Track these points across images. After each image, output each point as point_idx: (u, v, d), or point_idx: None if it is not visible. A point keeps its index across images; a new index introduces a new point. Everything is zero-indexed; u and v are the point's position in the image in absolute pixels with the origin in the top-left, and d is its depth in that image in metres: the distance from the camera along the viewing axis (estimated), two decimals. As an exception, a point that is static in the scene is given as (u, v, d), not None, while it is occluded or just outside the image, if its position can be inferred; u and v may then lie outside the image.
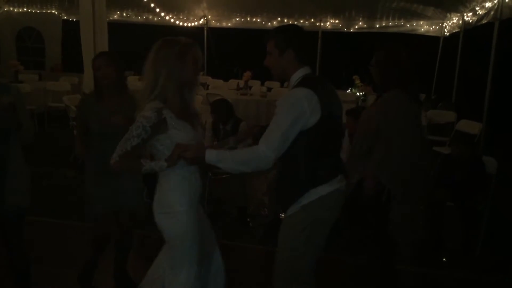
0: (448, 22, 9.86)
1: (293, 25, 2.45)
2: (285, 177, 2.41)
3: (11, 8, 11.88)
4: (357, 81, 9.51)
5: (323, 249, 2.49)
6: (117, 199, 3.10)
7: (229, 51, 13.10)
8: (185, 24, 12.06)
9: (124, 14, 11.72)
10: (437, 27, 10.49)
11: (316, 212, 2.33)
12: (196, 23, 12.04)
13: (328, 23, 11.20)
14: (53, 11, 12.10)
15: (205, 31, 12.09)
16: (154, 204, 2.35)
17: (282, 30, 2.37)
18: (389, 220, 3.13)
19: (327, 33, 11.15)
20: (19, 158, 2.70)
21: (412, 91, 3.09)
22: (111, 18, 10.80)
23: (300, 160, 2.30)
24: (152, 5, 10.53)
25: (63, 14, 12.23)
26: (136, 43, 14.07)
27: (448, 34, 10.11)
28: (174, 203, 2.29)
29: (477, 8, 7.47)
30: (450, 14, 9.24)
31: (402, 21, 10.48)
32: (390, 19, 10.37)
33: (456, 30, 9.30)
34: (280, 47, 2.30)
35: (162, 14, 11.36)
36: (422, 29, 10.76)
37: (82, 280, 3.32)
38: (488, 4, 6.89)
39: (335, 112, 2.36)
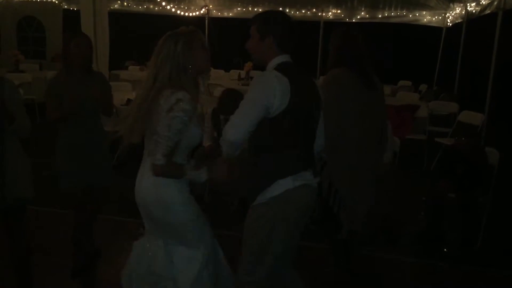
0: (451, 12, 9.79)
1: (277, 11, 2.42)
2: (253, 167, 2.37)
3: (12, -3, 11.83)
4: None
5: (295, 247, 2.46)
6: (89, 175, 3.34)
7: (230, 42, 13.04)
8: (186, 14, 11.99)
9: (125, 3, 11.63)
10: (440, 17, 10.41)
11: (281, 207, 2.28)
12: (197, 12, 11.96)
13: (330, 13, 11.12)
14: (53, 0, 12.03)
15: (206, 21, 12.01)
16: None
17: (265, 15, 2.36)
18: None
19: (329, 23, 11.08)
20: (17, 150, 2.69)
21: (365, 75, 3.06)
22: (111, 7, 10.72)
23: (267, 149, 2.28)
24: (153, -6, 10.47)
25: (63, 3, 12.16)
26: (137, 33, 14.06)
27: (451, 24, 10.04)
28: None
29: (481, -2, 7.42)
30: (453, 4, 9.17)
31: (404, 11, 10.40)
32: (393, 9, 10.28)
33: (459, 21, 9.24)
34: (261, 32, 2.30)
35: (163, 3, 11.29)
36: (425, 20, 10.68)
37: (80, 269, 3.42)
38: (491, -6, 6.84)
39: (307, 103, 2.30)
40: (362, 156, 3.04)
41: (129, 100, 6.24)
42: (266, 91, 2.16)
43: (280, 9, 10.76)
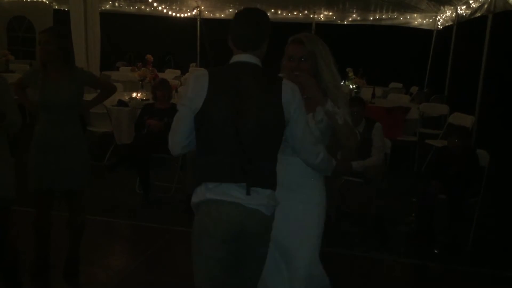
0: (441, 15, 9.87)
1: (246, 7, 2.24)
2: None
3: (2, -3, 11.74)
4: (350, 74, 9.49)
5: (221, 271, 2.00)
6: (54, 178, 3.08)
7: (222, 43, 13.00)
8: (178, 15, 11.98)
9: (116, 4, 11.59)
10: (431, 20, 10.49)
11: (202, 219, 1.98)
12: (189, 13, 11.95)
13: (321, 15, 11.16)
14: (44, 0, 11.96)
15: (198, 22, 12.00)
16: None
17: None
18: None
19: (320, 25, 11.11)
20: (3, 149, 2.65)
21: None
22: (103, 8, 10.67)
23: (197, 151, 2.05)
24: (145, -5, 10.45)
25: (54, 4, 12.09)
26: (129, 33, 13.99)
27: (441, 27, 10.11)
28: None
29: (471, 1, 7.47)
30: (444, 7, 9.24)
31: (395, 13, 10.48)
32: (384, 11, 10.36)
33: (450, 23, 9.30)
34: None
35: (155, 4, 11.26)
36: (416, 22, 10.76)
37: (34, 276, 3.30)
38: (481, -3, 6.89)
39: (236, 105, 1.91)
40: None
41: (120, 101, 6.18)
42: (184, 91, 2.05)
43: (272, 10, 10.78)
